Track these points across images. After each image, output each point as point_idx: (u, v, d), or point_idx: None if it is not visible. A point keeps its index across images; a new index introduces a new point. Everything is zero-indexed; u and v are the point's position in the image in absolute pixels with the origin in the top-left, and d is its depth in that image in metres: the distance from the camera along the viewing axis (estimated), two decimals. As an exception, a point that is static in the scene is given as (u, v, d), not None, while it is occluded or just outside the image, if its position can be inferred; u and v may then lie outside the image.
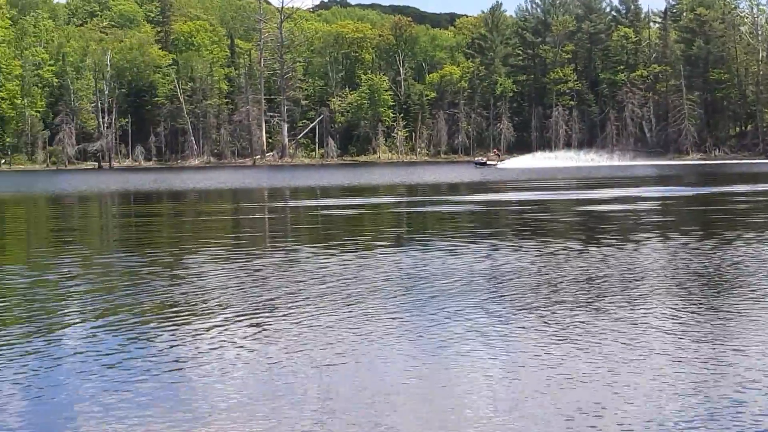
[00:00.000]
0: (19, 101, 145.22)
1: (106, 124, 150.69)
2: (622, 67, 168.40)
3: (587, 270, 17.99)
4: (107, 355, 11.37)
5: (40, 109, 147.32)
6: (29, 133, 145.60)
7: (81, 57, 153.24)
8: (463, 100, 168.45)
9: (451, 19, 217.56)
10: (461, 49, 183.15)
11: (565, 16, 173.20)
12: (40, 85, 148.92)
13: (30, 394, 9.63)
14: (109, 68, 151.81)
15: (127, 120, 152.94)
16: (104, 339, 12.35)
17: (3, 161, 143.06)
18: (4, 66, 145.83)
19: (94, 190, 67.06)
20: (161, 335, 12.50)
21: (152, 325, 13.23)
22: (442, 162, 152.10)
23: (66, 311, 14.56)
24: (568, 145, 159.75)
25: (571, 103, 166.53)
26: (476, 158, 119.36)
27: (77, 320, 13.70)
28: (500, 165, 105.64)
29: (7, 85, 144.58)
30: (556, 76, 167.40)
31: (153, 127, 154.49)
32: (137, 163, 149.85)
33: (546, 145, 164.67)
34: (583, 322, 12.75)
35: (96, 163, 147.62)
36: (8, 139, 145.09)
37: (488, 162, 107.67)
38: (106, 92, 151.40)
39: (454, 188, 58.24)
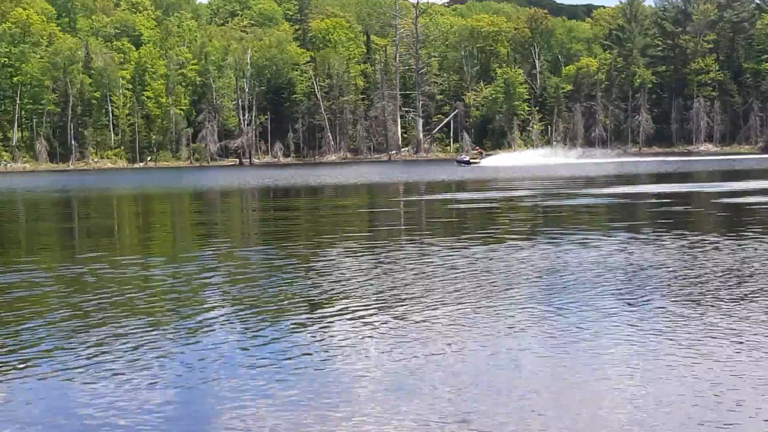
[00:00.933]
0: (164, 100, 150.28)
1: (246, 122, 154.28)
2: (766, 56, 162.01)
3: (730, 263, 17.48)
4: (248, 347, 11.72)
5: (184, 108, 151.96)
6: (174, 131, 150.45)
7: (222, 56, 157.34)
8: (600, 93, 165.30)
9: (587, 10, 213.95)
10: (598, 40, 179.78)
11: (707, 5, 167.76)
12: (183, 83, 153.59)
13: (174, 384, 10.02)
14: (249, 66, 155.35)
15: (266, 117, 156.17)
16: (244, 330, 12.73)
17: (149, 158, 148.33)
18: (150, 66, 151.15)
19: (234, 185, 68.87)
20: (298, 327, 12.79)
21: (290, 316, 13.56)
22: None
23: (208, 303, 15.06)
24: (710, 137, 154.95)
25: (713, 93, 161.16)
26: (458, 156, 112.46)
27: (218, 312, 14.15)
28: (482, 163, 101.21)
29: (153, 84, 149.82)
30: (696, 66, 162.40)
31: (291, 124, 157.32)
32: (276, 160, 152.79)
33: (686, 137, 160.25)
34: (727, 317, 12.40)
35: (237, 160, 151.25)
36: (154, 137, 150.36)
37: (471, 160, 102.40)
38: (246, 90, 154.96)
39: (591, 182, 57.27)
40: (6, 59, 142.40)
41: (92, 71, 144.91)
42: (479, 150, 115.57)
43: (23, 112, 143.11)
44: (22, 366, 10.87)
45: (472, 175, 74.80)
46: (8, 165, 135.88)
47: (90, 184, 76.30)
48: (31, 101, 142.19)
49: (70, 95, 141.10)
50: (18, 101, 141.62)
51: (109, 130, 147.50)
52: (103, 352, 11.44)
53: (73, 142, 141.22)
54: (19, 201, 54.68)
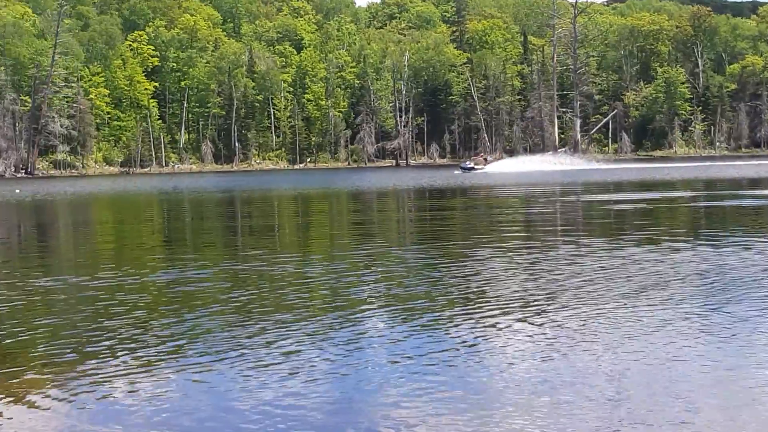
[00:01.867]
0: (323, 102, 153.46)
1: (403, 123, 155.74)
2: None
3: None
4: (400, 342, 11.94)
5: (343, 110, 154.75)
6: (332, 133, 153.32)
7: (380, 58, 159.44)
8: (766, 92, 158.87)
9: (753, 7, 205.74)
10: (764, 38, 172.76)
11: None
12: (342, 86, 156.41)
13: (329, 377, 10.31)
14: (406, 68, 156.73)
15: (422, 118, 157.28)
16: (397, 326, 12.96)
17: (309, 159, 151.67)
18: (311, 69, 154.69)
19: (390, 186, 69.63)
20: (450, 324, 12.90)
21: (442, 314, 13.70)
22: (744, 156, 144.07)
23: (362, 299, 15.37)
24: None
25: None
26: (463, 162, 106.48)
27: (372, 307, 14.44)
28: (487, 169, 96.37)
29: (313, 87, 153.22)
30: None
31: (447, 125, 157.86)
32: (432, 161, 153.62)
33: None
34: None
35: (393, 161, 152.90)
36: (314, 139, 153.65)
37: (475, 166, 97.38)
38: (404, 92, 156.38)
39: (755, 183, 55.13)
40: (174, 64, 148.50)
41: (255, 75, 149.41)
42: (483, 156, 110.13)
43: (190, 115, 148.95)
44: (184, 358, 11.37)
45: (487, 180, 73.07)
46: (176, 166, 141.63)
47: (252, 185, 78.71)
48: (197, 104, 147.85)
49: (234, 98, 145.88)
50: (185, 105, 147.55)
51: (271, 132, 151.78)
52: (261, 345, 11.86)
53: (236, 143, 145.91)
54: (185, 201, 56.95)
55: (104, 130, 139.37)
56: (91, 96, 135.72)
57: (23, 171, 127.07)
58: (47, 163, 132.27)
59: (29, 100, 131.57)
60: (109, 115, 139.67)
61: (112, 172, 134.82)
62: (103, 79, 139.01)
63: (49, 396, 9.62)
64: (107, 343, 12.11)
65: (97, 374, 10.47)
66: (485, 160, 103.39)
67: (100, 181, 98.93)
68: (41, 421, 8.87)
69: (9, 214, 46.19)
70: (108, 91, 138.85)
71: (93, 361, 11.09)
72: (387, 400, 9.26)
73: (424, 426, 8.44)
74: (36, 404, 9.35)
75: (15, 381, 10.31)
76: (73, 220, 41.91)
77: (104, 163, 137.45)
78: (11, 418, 8.97)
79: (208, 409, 9.11)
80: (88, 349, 11.84)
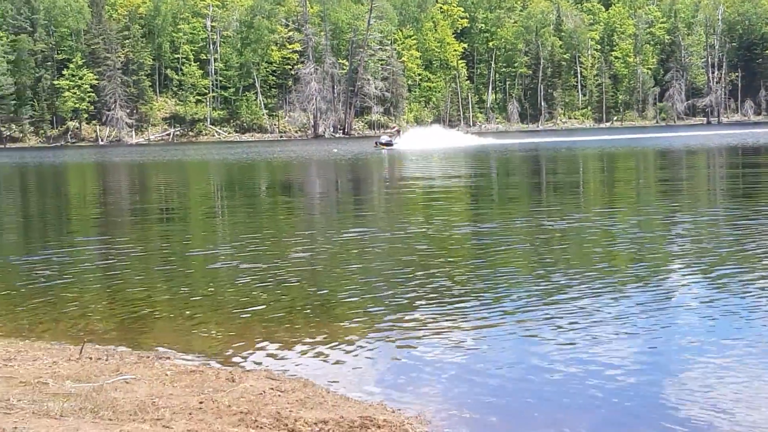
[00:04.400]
0: (631, 59, 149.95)
1: (715, 79, 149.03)
2: None
3: None
4: (707, 299, 11.99)
5: (651, 67, 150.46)
6: (640, 90, 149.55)
7: (692, 13, 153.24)
8: None
9: None
10: None
11: None
12: (651, 42, 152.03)
13: (636, 336, 10.50)
14: (720, 23, 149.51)
15: (736, 74, 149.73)
16: (704, 284, 13.16)
17: (615, 118, 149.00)
18: (619, 26, 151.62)
19: (701, 144, 67.38)
20: (756, 285, 12.74)
21: (751, 275, 13.47)
22: None
23: (669, 258, 15.63)
24: None
25: None
26: (383, 137, 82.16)
27: (680, 267, 14.64)
28: (396, 144, 77.92)
29: (621, 44, 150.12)
30: None
31: (763, 81, 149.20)
32: (746, 118, 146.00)
33: None
34: None
35: (704, 119, 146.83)
36: (620, 97, 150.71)
37: (393, 141, 78.50)
38: (717, 47, 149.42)
39: None
40: (483, 25, 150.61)
41: (562, 33, 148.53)
42: (396, 129, 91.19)
43: (497, 76, 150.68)
44: (489, 311, 11.75)
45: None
46: (483, 126, 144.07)
47: (557, 144, 78.77)
48: (505, 64, 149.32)
49: (540, 57, 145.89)
50: (493, 65, 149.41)
51: (577, 91, 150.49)
52: (565, 300, 12.21)
53: (542, 102, 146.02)
54: (492, 158, 58.21)
55: (415, 91, 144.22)
56: (403, 58, 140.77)
57: (341, 131, 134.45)
58: (362, 124, 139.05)
59: (346, 63, 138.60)
60: (420, 77, 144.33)
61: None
62: (415, 41, 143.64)
63: (363, 346, 9.94)
64: (413, 294, 12.60)
65: (408, 325, 10.75)
66: (398, 132, 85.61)
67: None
68: (359, 370, 9.15)
69: (328, 171, 49.66)
70: (419, 53, 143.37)
71: (402, 313, 11.49)
72: (695, 359, 9.24)
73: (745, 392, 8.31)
74: (353, 353, 9.70)
75: (333, 329, 10.88)
76: (385, 176, 44.30)
77: (415, 123, 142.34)
78: (334, 365, 9.31)
79: (518, 366, 9.06)
80: (397, 300, 12.32)
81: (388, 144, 75.43)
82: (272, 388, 7.41)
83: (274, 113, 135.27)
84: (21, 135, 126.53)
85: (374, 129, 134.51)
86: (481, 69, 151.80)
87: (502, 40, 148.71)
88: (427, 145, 76.96)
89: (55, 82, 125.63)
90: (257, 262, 15.68)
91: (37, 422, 6.16)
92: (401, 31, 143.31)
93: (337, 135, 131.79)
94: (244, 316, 11.56)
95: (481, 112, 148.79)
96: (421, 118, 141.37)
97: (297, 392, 7.38)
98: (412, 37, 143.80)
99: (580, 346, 9.72)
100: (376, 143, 77.51)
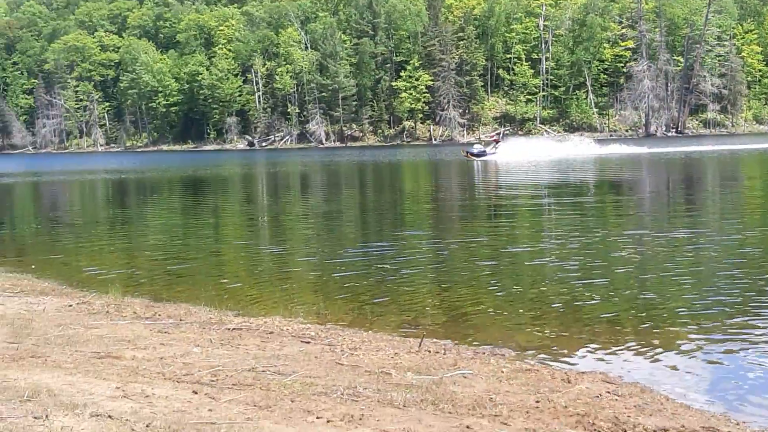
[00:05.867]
0: None
1: None
2: None
3: None
4: None
5: None
6: None
7: None
8: None
9: None
10: None
11: None
12: None
13: None
14: None
15: None
16: None
17: None
18: None
19: None
20: None
21: None
22: None
23: None
24: None
25: None
26: (475, 146, 69.47)
27: None
28: (494, 155, 64.97)
29: None
30: None
31: None
32: None
33: None
34: None
35: None
36: None
37: (488, 151, 65.56)
38: None
39: None
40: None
41: None
42: (495, 138, 73.69)
43: None
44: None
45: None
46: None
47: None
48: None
49: None
50: None
51: None
52: None
53: None
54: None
55: (755, 89, 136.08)
56: (743, 54, 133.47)
57: (673, 130, 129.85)
58: (697, 122, 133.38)
59: (681, 60, 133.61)
60: (760, 73, 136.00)
61: (761, 131, 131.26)
62: (756, 36, 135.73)
63: (697, 353, 9.52)
64: (747, 299, 11.93)
65: (744, 332, 10.23)
66: (497, 142, 70.05)
67: (748, 140, 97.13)
68: (695, 377, 8.82)
69: (659, 171, 48.16)
70: (760, 48, 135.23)
71: (737, 319, 10.92)
72: None
73: None
74: (688, 359, 9.30)
75: (664, 333, 10.48)
76: (719, 177, 42.32)
77: (754, 122, 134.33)
78: (668, 371, 9.04)
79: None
80: (731, 305, 11.71)
81: (480, 155, 64.84)
82: (608, 392, 7.28)
83: (604, 112, 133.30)
84: (360, 134, 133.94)
85: (709, 128, 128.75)
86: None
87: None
88: (531, 156, 66.42)
89: (393, 84, 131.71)
90: (584, 260, 15.59)
91: (382, 411, 6.44)
92: (741, 25, 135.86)
93: (669, 134, 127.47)
94: (570, 315, 11.53)
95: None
96: (762, 117, 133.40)
97: (634, 397, 7.19)
98: (753, 32, 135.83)
99: None
100: (466, 153, 67.21)
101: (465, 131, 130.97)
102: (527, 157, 64.24)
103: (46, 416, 5.98)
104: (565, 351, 9.61)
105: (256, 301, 13.15)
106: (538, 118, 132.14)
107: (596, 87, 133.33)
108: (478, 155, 64.51)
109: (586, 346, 9.82)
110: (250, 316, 11.30)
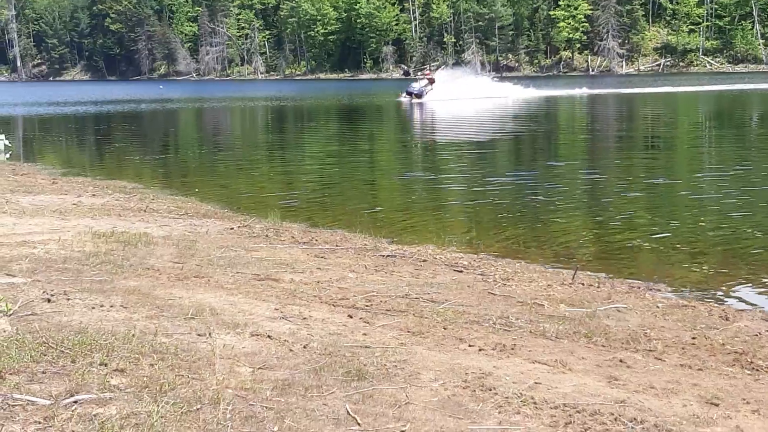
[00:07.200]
0: None
1: None
2: None
3: None
4: None
5: None
6: None
7: None
8: None
9: None
10: None
11: None
12: None
13: None
14: None
15: None
16: None
17: None
18: None
19: None
20: None
21: None
22: None
23: None
24: None
25: None
26: (413, 84, 58.37)
27: None
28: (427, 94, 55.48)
29: None
30: None
31: None
32: None
33: None
34: None
35: None
36: None
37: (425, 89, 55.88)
38: None
39: None
40: None
41: None
42: (429, 75, 62.34)
43: None
44: None
45: None
46: None
47: None
48: None
49: None
50: None
51: None
52: None
53: None
54: None
55: None
56: None
57: None
58: None
59: None
60: None
61: None
62: None
63: None
64: None
65: None
66: (432, 81, 58.82)
67: None
68: None
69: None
70: None
71: None
72: None
73: None
74: None
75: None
76: None
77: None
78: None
79: None
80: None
81: (419, 95, 55.84)
82: (769, 330, 7.07)
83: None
84: (516, 64, 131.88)
85: None
86: None
87: None
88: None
89: (551, 13, 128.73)
90: (743, 196, 15.06)
91: (534, 341, 6.46)
92: None
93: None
94: (728, 250, 11.20)
95: None
96: None
97: (797, 336, 6.97)
98: None
99: None
100: (407, 93, 57.28)
101: (624, 62, 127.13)
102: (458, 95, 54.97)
103: (209, 334, 6.26)
104: (723, 288, 9.33)
105: (410, 229, 13.30)
106: (701, 50, 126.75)
107: (763, 17, 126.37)
108: (418, 95, 55.87)
109: (743, 284, 9.51)
110: (404, 244, 11.44)
